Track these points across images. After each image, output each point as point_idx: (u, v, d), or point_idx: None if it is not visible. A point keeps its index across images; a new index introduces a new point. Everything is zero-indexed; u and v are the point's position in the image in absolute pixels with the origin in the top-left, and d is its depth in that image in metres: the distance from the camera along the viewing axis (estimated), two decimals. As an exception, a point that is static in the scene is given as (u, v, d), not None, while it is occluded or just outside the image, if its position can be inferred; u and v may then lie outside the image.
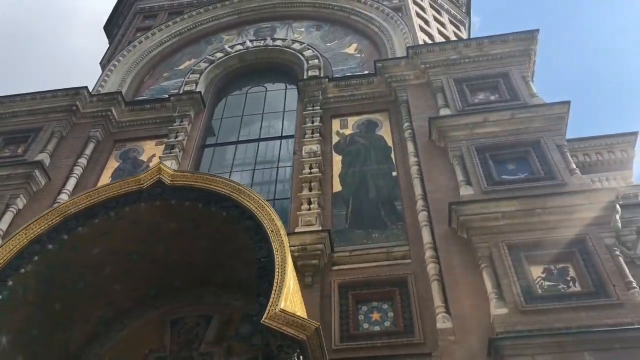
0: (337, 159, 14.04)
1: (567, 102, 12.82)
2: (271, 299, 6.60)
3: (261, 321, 6.41)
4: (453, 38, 19.34)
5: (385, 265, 11.21)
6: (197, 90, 16.57)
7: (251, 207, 7.95)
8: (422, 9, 19.87)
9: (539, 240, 10.19)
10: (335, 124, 15.07)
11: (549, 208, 10.51)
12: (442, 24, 20.09)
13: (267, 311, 6.48)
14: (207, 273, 9.68)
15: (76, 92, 16.10)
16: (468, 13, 24.04)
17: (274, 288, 6.73)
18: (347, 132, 14.79)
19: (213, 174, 9.20)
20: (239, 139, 15.71)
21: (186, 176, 8.71)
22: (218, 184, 8.40)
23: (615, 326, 8.70)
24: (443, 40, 18.80)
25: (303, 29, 19.42)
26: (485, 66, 14.70)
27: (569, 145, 28.81)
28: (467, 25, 21.63)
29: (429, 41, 17.77)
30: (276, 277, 6.90)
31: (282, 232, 7.53)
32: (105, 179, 14.43)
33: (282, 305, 6.50)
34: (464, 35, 20.62)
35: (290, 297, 6.83)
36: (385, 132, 14.53)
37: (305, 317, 7.33)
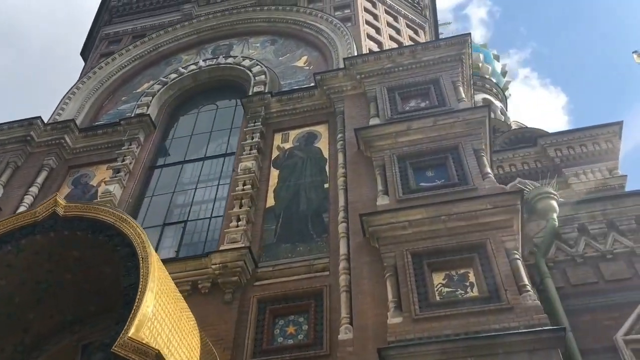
0: (274, 173, 14.34)
1: (487, 107, 12.97)
2: (125, 327, 6.92)
3: (111, 349, 6.74)
4: (408, 43, 19.48)
5: (305, 279, 11.47)
6: (148, 112, 16.95)
7: (129, 234, 8.29)
8: (375, 16, 20.06)
9: (442, 247, 10.34)
10: (277, 139, 15.37)
11: (454, 214, 10.65)
12: (397, 30, 20.24)
13: (118, 339, 6.80)
14: (119, 297, 10.01)
15: (30, 122, 16.65)
16: (433, 15, 24.14)
17: (130, 316, 7.05)
18: (288, 146, 15.07)
19: (101, 204, 9.62)
20: (186, 159, 16.07)
21: (78, 207, 9.09)
22: (104, 213, 8.76)
23: (501, 331, 8.84)
24: (396, 46, 18.94)
25: (259, 44, 19.76)
26: (418, 73, 14.85)
27: (554, 139, 28.85)
28: (427, 29, 21.72)
29: (377, 49, 17.96)
30: (135, 304, 7.22)
31: (151, 259, 7.85)
32: (55, 206, 14.90)
33: (131, 333, 6.81)
34: (422, 39, 20.75)
35: (148, 324, 7.13)
36: (323, 144, 14.76)
37: (177, 344, 7.65)
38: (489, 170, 11.79)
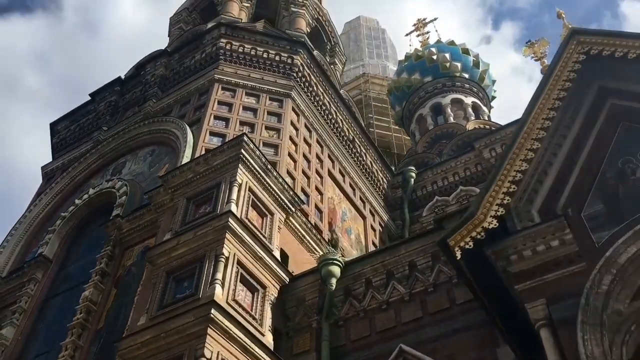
0: (112, 293, 17.11)
1: (228, 212, 14.85)
2: None
3: None
4: (263, 122, 21.46)
5: (98, 398, 14.20)
6: (45, 252, 20.24)
7: None
8: (230, 107, 21.94)
9: (159, 363, 12.67)
10: (126, 257, 18.12)
11: (170, 330, 12.90)
12: (255, 111, 22.02)
13: None
14: None
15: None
16: (321, 71, 25.79)
17: None
18: (130, 262, 17.81)
19: None
20: (69, 287, 19.24)
21: None
22: None
23: None
24: (249, 129, 20.98)
25: (142, 158, 22.51)
26: (210, 178, 16.73)
27: (487, 140, 29.71)
28: (295, 94, 23.31)
29: (219, 143, 19.87)
30: None
31: None
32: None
33: None
34: (286, 108, 22.47)
35: None
36: (150, 257, 17.28)
37: None
38: (219, 276, 13.67)
